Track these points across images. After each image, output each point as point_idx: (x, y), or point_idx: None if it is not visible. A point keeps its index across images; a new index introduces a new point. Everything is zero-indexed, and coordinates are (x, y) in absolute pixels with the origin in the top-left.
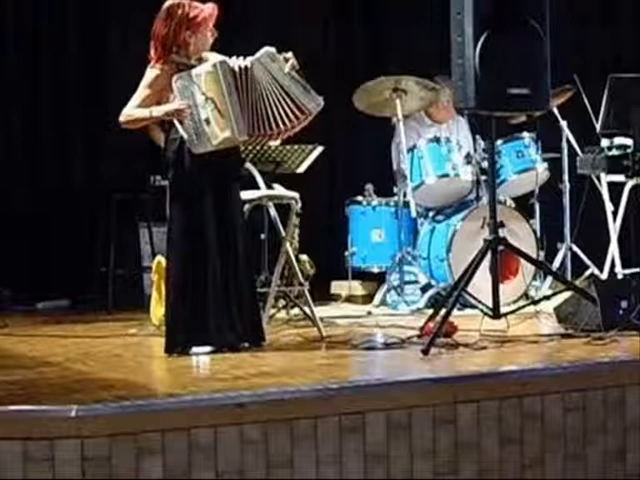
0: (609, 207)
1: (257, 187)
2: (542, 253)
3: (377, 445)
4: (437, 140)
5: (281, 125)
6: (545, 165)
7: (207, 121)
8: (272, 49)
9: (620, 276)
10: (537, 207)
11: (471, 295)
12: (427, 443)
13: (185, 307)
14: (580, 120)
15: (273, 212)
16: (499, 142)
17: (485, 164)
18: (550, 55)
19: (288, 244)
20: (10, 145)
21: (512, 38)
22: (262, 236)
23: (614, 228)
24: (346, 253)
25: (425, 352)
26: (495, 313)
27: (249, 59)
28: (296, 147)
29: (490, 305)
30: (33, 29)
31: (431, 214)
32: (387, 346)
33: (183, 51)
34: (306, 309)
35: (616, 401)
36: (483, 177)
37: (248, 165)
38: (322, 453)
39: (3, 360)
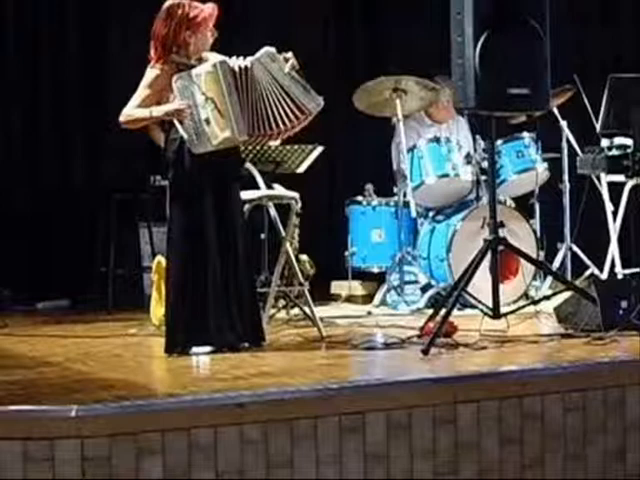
0: (609, 207)
1: (257, 187)
2: (542, 253)
3: (377, 445)
4: (437, 140)
5: (281, 125)
6: (545, 165)
7: (207, 121)
8: (272, 49)
9: (620, 276)
10: (537, 207)
11: (471, 295)
12: (427, 443)
13: (185, 307)
14: (580, 120)
15: (273, 212)
16: (499, 142)
17: (485, 164)
18: (550, 55)
19: (288, 244)
20: (10, 145)
21: (512, 38)
22: (262, 236)
23: (614, 228)
24: (346, 253)
25: (425, 352)
26: (495, 313)
27: (249, 59)
28: (296, 147)
29: (490, 305)
30: (33, 29)
31: (431, 214)
32: (387, 346)
33: (183, 51)
34: (306, 309)
35: (616, 401)
36: (483, 177)
37: (248, 165)
38: (322, 453)
39: (3, 360)
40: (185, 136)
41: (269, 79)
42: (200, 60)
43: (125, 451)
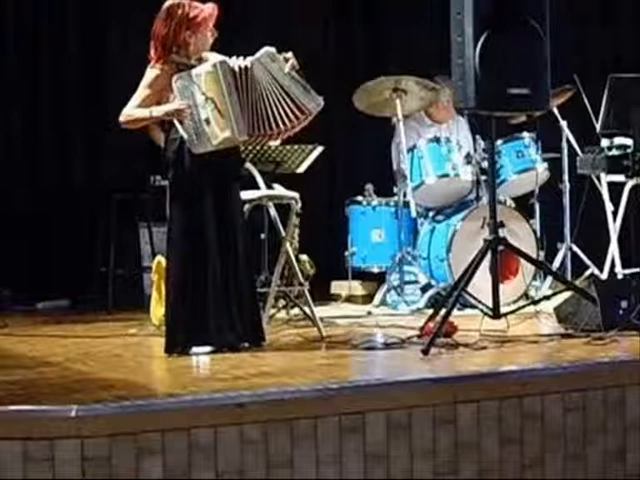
0: (609, 207)
1: (257, 187)
2: (542, 253)
3: (377, 445)
4: (437, 140)
5: (281, 125)
6: (545, 165)
7: (207, 121)
8: (272, 49)
9: (620, 276)
10: (537, 207)
11: (471, 295)
12: (427, 443)
13: (185, 307)
14: (580, 120)
15: (273, 212)
16: (499, 142)
17: (485, 164)
18: (550, 55)
19: (288, 244)
20: (10, 145)
21: (512, 38)
22: (262, 236)
23: (614, 228)
24: (346, 253)
25: (425, 352)
26: (495, 313)
27: (249, 59)
28: (296, 147)
29: (490, 305)
30: (33, 29)
31: (431, 214)
32: (387, 346)
33: (183, 51)
34: (306, 309)
35: (616, 401)
36: (483, 177)
37: (248, 165)
38: (322, 453)
39: (3, 360)
40: (185, 136)
41: (269, 79)
42: (200, 60)
43: (125, 451)
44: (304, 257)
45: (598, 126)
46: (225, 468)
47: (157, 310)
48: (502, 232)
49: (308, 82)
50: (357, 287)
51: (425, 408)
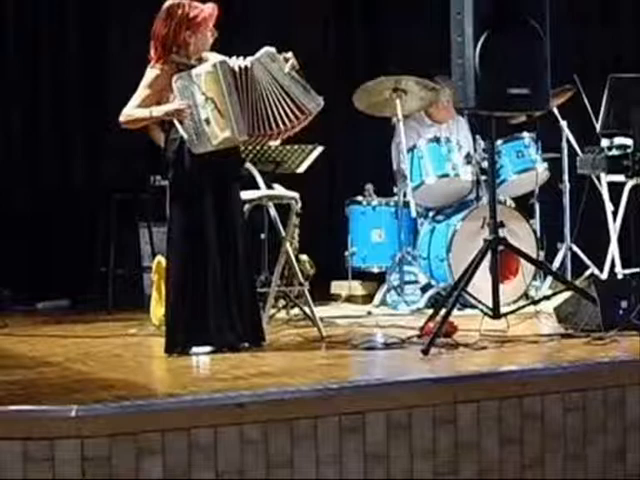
0: (609, 207)
1: (257, 187)
2: (542, 253)
3: (377, 445)
4: (437, 140)
5: (281, 125)
6: (545, 165)
7: (207, 121)
8: (272, 49)
9: (620, 276)
10: (537, 207)
11: (471, 295)
12: (427, 443)
13: (185, 307)
14: (580, 120)
15: (273, 212)
16: (499, 142)
17: (485, 164)
18: (550, 55)
19: (288, 244)
20: (10, 145)
21: (512, 38)
22: (262, 236)
23: (614, 228)
24: (346, 253)
25: (425, 352)
26: (495, 313)
27: (249, 59)
28: (296, 147)
29: (490, 305)
30: (33, 29)
31: (431, 214)
32: (387, 346)
33: (183, 51)
34: (306, 309)
35: (616, 401)
36: (483, 177)
37: (248, 165)
38: (322, 453)
39: (3, 360)
40: (185, 136)
41: (269, 79)
42: (200, 60)
43: (125, 451)
44: (304, 257)
45: (598, 126)
46: (225, 468)
47: (157, 310)
48: (502, 232)
49: (308, 82)
50: (357, 287)
51: (425, 408)
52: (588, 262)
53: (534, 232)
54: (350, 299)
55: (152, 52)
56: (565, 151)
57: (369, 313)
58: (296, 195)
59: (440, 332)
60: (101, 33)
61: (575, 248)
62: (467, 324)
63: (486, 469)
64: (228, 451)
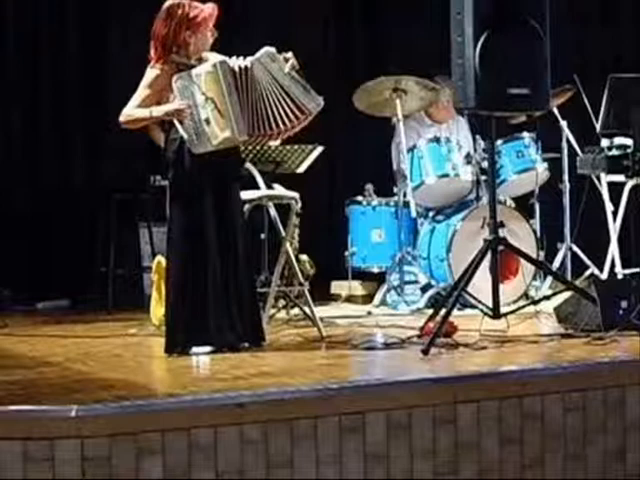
0: (609, 207)
1: (257, 187)
2: (542, 253)
3: (377, 445)
4: (437, 140)
5: (281, 125)
6: (545, 165)
7: (207, 121)
8: (272, 49)
9: (620, 276)
10: (537, 207)
11: (471, 295)
12: (427, 443)
13: (185, 307)
14: (580, 120)
15: (273, 212)
16: (499, 142)
17: (485, 164)
18: (550, 55)
19: (288, 244)
20: (10, 145)
21: (512, 38)
22: (262, 236)
23: (614, 228)
24: (346, 253)
25: (425, 352)
26: (495, 313)
27: (249, 59)
28: (296, 147)
29: (490, 305)
30: (33, 29)
31: (431, 214)
32: (387, 346)
33: (183, 51)
34: (306, 309)
35: (616, 401)
36: (483, 177)
37: (248, 165)
38: (322, 453)
39: (3, 360)
40: (185, 136)
41: (269, 79)
42: (200, 60)
43: (125, 451)
44: (304, 257)
45: (598, 126)
46: (225, 468)
47: (157, 310)
48: (502, 232)
49: (308, 82)
50: (357, 287)
51: (425, 408)
52: (588, 262)
53: (534, 232)
54: (350, 299)
55: (152, 52)
56: (565, 151)
57: (369, 313)
58: (296, 195)
59: (440, 332)
60: (101, 33)
61: (575, 248)
62: (467, 324)
63: (486, 469)
64: (228, 451)
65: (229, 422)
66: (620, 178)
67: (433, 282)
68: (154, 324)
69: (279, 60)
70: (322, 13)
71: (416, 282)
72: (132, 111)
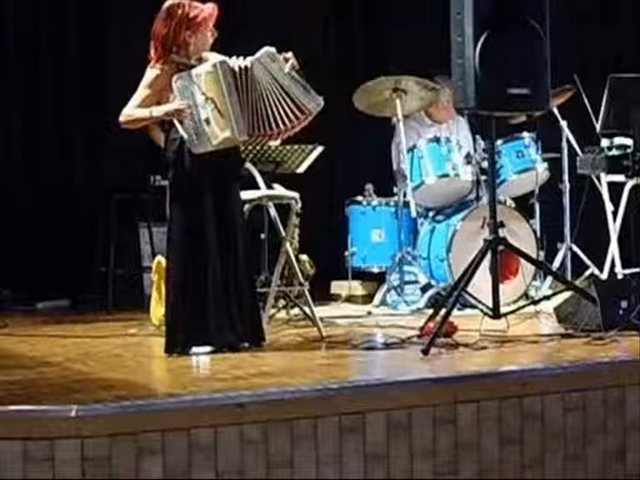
0: (609, 207)
1: (257, 187)
2: (542, 253)
3: (377, 445)
4: (437, 140)
5: (281, 125)
6: (545, 165)
7: (207, 121)
8: (272, 49)
9: (620, 276)
10: (537, 207)
11: (471, 295)
12: (427, 443)
13: (185, 307)
14: (580, 120)
15: (273, 212)
16: (499, 142)
17: (485, 164)
18: (550, 55)
19: (288, 244)
20: (10, 145)
21: (512, 38)
22: (262, 236)
23: (614, 228)
24: (346, 253)
25: (425, 352)
26: (495, 313)
27: (249, 59)
28: (296, 147)
29: (490, 305)
30: (33, 29)
31: (431, 214)
32: (387, 346)
33: (183, 51)
34: (306, 309)
35: (616, 401)
36: (483, 177)
37: (248, 165)
38: (322, 453)
39: (3, 360)
40: (185, 136)
41: (269, 79)
42: (200, 60)
43: (125, 451)
44: (304, 257)
45: (598, 126)
46: (225, 468)
47: (157, 310)
48: (502, 232)
49: (308, 82)
50: (357, 287)
51: (425, 408)
52: (588, 262)
53: (534, 232)
54: (350, 299)
55: (152, 52)
56: (565, 151)
57: (369, 313)
58: (296, 195)
59: (440, 332)
60: (101, 33)
61: (575, 248)
62: (467, 324)
63: (486, 469)
64: (228, 451)
65: (229, 422)
66: (620, 178)
67: (433, 282)
68: (154, 324)
69: (279, 60)
70: (322, 13)
71: (416, 282)
72: (132, 111)
